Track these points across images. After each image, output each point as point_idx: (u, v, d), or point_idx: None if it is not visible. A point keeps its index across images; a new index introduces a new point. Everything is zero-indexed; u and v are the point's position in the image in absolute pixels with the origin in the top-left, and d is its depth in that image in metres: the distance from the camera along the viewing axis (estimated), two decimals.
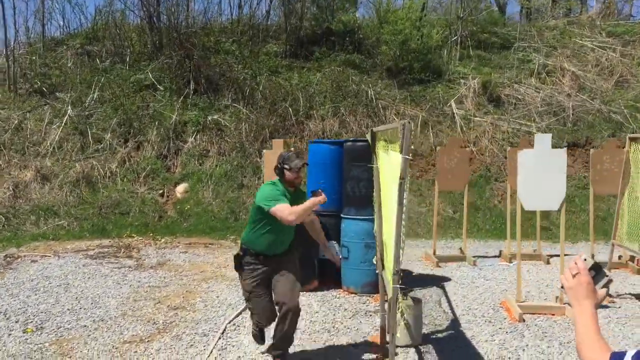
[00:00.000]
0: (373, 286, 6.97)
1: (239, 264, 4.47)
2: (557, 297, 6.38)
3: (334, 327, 5.72)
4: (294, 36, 17.55)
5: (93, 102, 15.06)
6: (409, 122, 3.59)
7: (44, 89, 15.55)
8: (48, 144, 13.37)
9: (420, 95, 15.58)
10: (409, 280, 7.68)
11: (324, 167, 7.37)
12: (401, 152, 3.52)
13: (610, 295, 6.56)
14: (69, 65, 16.71)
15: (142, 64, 16.41)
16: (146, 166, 13.11)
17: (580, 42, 17.31)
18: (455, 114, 14.45)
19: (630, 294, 6.88)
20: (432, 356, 5.01)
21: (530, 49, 17.22)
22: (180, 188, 12.84)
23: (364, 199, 7.00)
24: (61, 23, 25.47)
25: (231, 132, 14.29)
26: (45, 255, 8.95)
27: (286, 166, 4.43)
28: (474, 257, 8.83)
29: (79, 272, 7.96)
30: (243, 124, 14.51)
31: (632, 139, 7.01)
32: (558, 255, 8.21)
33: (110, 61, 16.82)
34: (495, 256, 9.07)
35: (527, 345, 5.23)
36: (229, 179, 13.06)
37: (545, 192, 6.05)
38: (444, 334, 5.60)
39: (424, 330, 5.51)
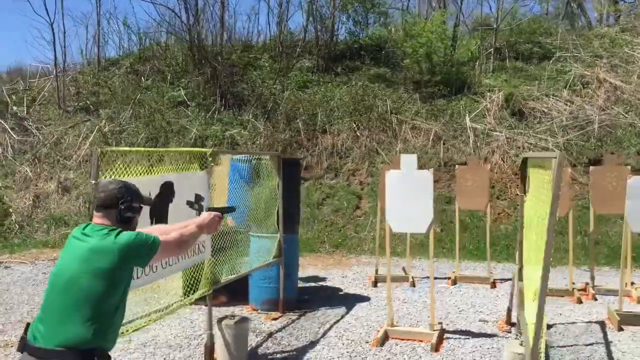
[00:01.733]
0: (271, 304, 7.05)
1: None
2: (432, 325, 6.10)
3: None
4: (326, 51, 17.78)
5: (128, 118, 16.14)
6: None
7: (90, 106, 16.90)
8: (76, 157, 14.53)
9: (442, 109, 15.21)
10: (328, 297, 7.67)
11: (238, 184, 7.51)
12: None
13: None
14: (117, 84, 18.02)
15: (181, 81, 17.35)
16: None
17: (630, 51, 16.08)
18: (469, 128, 13.96)
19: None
20: None
21: (571, 59, 16.24)
22: None
23: (265, 217, 7.11)
24: (117, 44, 27.39)
25: (247, 147, 14.73)
26: (23, 263, 9.82)
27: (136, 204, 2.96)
28: (420, 277, 8.64)
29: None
30: (260, 139, 14.92)
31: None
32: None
33: (153, 80, 17.95)
34: (446, 278, 8.76)
35: None
36: None
37: (412, 215, 5.87)
38: (280, 355, 5.59)
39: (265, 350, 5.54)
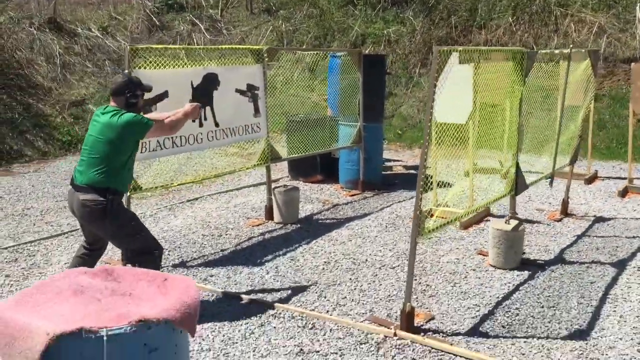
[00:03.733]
0: (353, 183, 8.10)
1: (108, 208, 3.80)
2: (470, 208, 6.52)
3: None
4: None
5: (301, 18, 17.51)
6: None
7: (273, 7, 18.60)
8: None
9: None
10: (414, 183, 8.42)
11: (334, 77, 8.44)
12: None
13: None
14: None
15: None
16: None
17: None
18: (637, 20, 12.71)
19: None
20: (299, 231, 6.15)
21: None
22: None
23: (347, 107, 8.02)
24: None
25: (404, 43, 15.25)
26: None
27: (138, 92, 3.98)
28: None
29: None
30: (416, 36, 15.30)
31: None
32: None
33: None
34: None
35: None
36: None
37: (454, 106, 6.35)
38: (330, 220, 6.56)
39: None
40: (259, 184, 8.24)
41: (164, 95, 5.12)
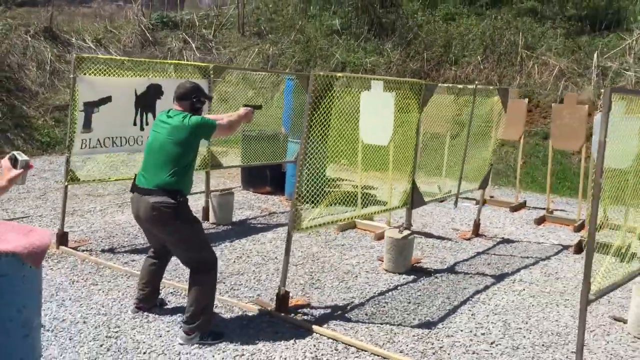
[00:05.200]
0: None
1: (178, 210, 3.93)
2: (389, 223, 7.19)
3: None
4: None
5: (289, 43, 18.39)
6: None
7: (263, 31, 19.50)
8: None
9: (583, 46, 14.75)
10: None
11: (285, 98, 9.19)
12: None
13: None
14: (290, 12, 20.32)
15: (339, 11, 19.00)
16: None
17: None
18: (594, 66, 13.51)
19: None
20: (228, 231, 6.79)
21: None
22: None
23: (301, 126, 8.74)
24: None
25: (380, 73, 16.05)
26: None
27: (203, 99, 4.23)
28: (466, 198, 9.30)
29: None
30: (393, 67, 16.14)
31: None
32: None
33: (320, 8, 19.85)
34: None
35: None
36: None
37: (378, 129, 7.07)
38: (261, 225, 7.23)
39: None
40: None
41: (107, 100, 5.83)
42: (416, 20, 17.47)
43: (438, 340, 4.33)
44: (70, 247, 5.80)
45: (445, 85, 7.02)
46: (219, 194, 7.14)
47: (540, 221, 8.21)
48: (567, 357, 4.17)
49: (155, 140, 4.04)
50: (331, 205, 5.57)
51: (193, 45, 18.74)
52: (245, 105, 4.64)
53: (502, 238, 7.36)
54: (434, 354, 4.11)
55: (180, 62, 7.90)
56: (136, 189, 4.00)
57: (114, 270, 5.34)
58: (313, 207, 4.99)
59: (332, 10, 19.51)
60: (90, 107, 5.63)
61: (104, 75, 5.81)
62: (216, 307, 4.62)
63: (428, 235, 7.29)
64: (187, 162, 4.00)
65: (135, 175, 4.10)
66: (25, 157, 2.48)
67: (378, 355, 4.01)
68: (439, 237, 7.20)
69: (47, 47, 15.44)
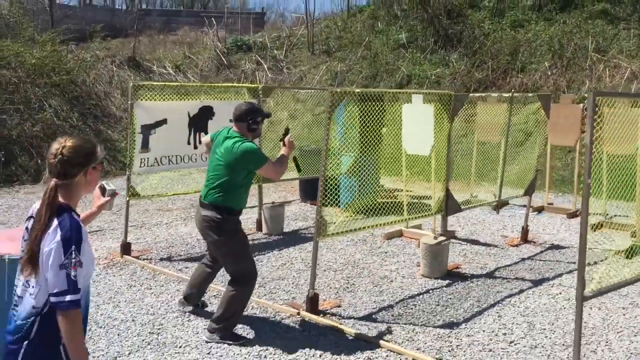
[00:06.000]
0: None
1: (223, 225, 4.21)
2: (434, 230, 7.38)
3: None
4: None
5: (356, 59, 18.83)
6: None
7: (332, 49, 20.08)
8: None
9: None
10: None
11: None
12: None
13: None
14: (358, 28, 20.80)
15: (406, 25, 19.26)
16: None
17: None
18: None
19: None
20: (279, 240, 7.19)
21: None
22: None
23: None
24: None
25: (445, 84, 16.16)
26: None
27: (259, 119, 4.37)
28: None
29: None
30: (458, 77, 16.18)
31: None
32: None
33: (387, 23, 20.21)
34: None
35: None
36: None
37: (419, 139, 7.32)
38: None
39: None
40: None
41: (162, 122, 6.45)
42: (483, 30, 17.40)
43: (457, 339, 4.51)
44: (133, 256, 6.42)
45: (477, 95, 7.14)
46: (271, 206, 7.59)
47: (595, 227, 8.07)
48: (584, 355, 4.23)
49: (212, 158, 4.35)
50: (376, 214, 5.86)
51: (265, 66, 19.56)
52: (281, 141, 4.51)
53: (552, 244, 7.33)
54: (450, 351, 4.30)
55: (232, 84, 8.47)
56: (200, 202, 4.36)
57: (168, 276, 5.88)
58: (355, 217, 5.29)
59: (398, 24, 19.78)
60: (147, 130, 6.24)
61: (160, 99, 6.42)
62: (252, 308, 5.03)
63: (474, 242, 7.39)
64: (235, 182, 4.20)
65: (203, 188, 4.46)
66: (112, 187, 2.73)
67: (393, 352, 4.25)
68: (485, 244, 7.28)
69: (131, 76, 16.67)
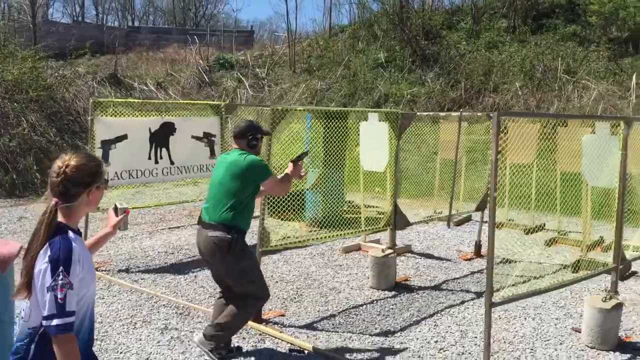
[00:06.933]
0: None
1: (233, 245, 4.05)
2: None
3: None
4: (522, 11, 18.05)
5: (336, 77, 19.17)
6: None
7: (313, 68, 20.42)
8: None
9: (626, 69, 14.64)
10: None
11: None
12: None
13: None
14: (339, 48, 21.18)
15: (385, 45, 19.65)
16: None
17: None
18: (632, 88, 13.37)
19: None
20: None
21: None
22: None
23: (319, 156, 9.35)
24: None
25: (420, 103, 16.49)
26: None
27: (258, 135, 4.32)
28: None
29: None
30: (434, 96, 16.52)
31: None
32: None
33: (367, 43, 20.61)
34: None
35: None
36: None
37: (375, 156, 7.56)
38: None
39: None
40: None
41: (123, 137, 6.67)
42: (459, 50, 17.80)
43: (390, 346, 4.71)
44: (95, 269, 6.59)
45: (425, 114, 7.42)
46: None
47: (551, 242, 8.32)
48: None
49: (216, 176, 4.24)
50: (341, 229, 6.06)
51: (246, 83, 19.84)
52: (292, 161, 4.36)
53: (503, 259, 7.55)
54: (379, 357, 4.51)
55: (195, 102, 8.71)
56: (200, 222, 4.23)
57: (122, 286, 6.06)
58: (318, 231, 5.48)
59: (378, 44, 20.17)
60: (107, 144, 6.46)
61: (120, 116, 6.65)
62: (199, 317, 5.21)
63: (429, 256, 7.62)
64: (243, 198, 4.10)
65: (202, 209, 4.31)
66: (124, 205, 2.75)
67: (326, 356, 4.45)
68: (438, 258, 7.51)
69: (112, 92, 16.91)
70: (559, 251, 7.97)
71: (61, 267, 2.09)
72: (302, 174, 4.35)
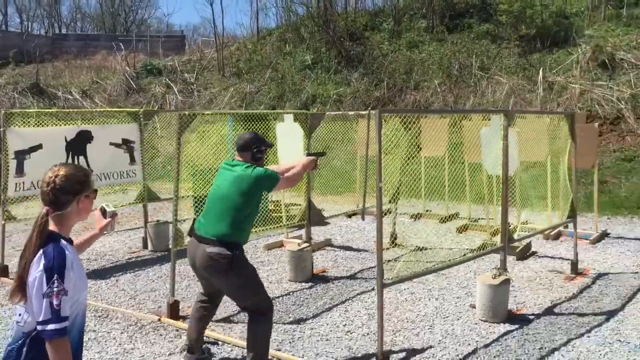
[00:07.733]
0: None
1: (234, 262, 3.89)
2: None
3: None
4: (440, 11, 18.79)
5: (265, 80, 19.39)
6: None
7: (242, 71, 20.56)
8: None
9: (534, 64, 15.50)
10: None
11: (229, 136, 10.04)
12: None
13: None
14: (268, 51, 21.39)
15: (311, 47, 20.00)
16: None
17: None
18: (539, 82, 14.22)
19: None
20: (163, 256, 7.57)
21: None
22: None
23: None
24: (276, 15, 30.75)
25: (346, 103, 16.92)
26: None
27: (263, 148, 4.18)
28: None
29: None
30: (359, 95, 16.99)
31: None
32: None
33: (294, 45, 20.91)
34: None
35: None
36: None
37: (289, 156, 7.84)
38: None
39: None
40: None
41: (37, 147, 6.71)
42: (382, 50, 18.37)
43: (301, 332, 5.02)
44: (11, 278, 6.61)
45: (334, 113, 7.81)
46: (154, 224, 7.94)
47: (462, 229, 8.86)
48: (406, 337, 4.83)
49: (218, 189, 4.05)
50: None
51: (175, 89, 19.82)
52: (309, 154, 4.54)
53: (416, 247, 8.01)
54: (290, 342, 4.80)
55: (111, 109, 8.80)
56: (194, 235, 4.04)
57: None
58: None
59: (305, 46, 20.53)
60: (21, 155, 6.49)
61: (35, 126, 6.70)
62: (117, 317, 5.37)
63: (348, 248, 7.99)
64: (246, 213, 3.98)
65: (194, 219, 4.23)
66: (112, 208, 2.77)
67: (237, 346, 4.71)
68: (357, 250, 7.89)
69: (34, 102, 16.58)
70: (468, 237, 8.49)
71: (56, 275, 2.18)
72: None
